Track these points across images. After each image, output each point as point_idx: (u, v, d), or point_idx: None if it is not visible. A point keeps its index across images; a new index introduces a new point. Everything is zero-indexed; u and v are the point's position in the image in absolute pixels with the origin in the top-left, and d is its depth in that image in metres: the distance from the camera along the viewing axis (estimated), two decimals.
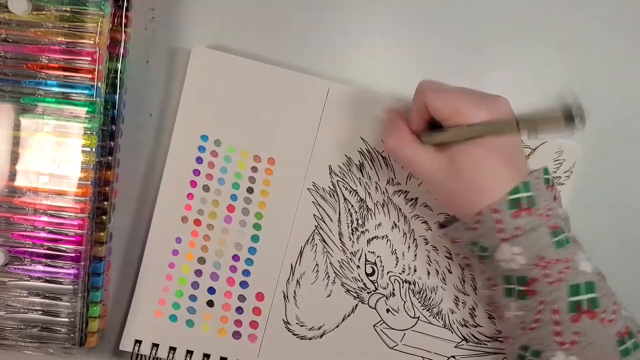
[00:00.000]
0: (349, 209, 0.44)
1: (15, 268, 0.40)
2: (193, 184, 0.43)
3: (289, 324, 0.44)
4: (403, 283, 0.44)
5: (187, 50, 0.43)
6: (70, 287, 0.40)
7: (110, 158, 0.41)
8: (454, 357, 0.44)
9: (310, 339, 0.44)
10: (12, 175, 0.39)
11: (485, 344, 0.45)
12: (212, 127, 0.43)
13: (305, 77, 0.43)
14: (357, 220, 0.44)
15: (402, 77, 0.44)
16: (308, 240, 0.44)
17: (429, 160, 0.37)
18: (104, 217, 0.41)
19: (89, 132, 0.39)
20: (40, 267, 0.40)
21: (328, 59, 0.44)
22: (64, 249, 0.39)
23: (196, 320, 0.44)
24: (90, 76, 0.38)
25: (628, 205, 0.46)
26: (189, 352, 0.44)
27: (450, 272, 0.44)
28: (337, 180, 0.44)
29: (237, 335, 0.44)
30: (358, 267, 0.44)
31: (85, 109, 0.39)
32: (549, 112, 0.29)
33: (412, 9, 0.44)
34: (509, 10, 0.44)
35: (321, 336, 0.44)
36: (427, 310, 0.44)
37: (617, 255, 0.46)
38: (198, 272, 0.44)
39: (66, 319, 0.40)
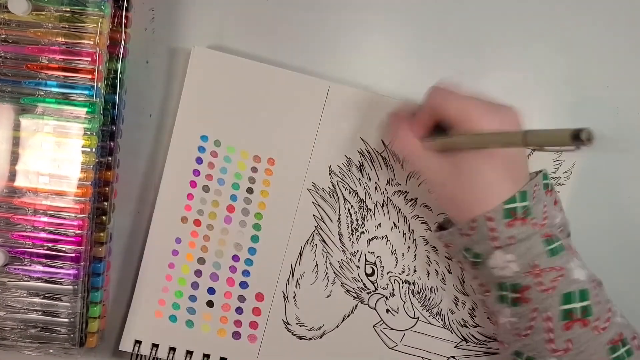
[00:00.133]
0: (349, 210, 0.44)
1: (15, 268, 0.40)
2: (193, 184, 0.43)
3: (288, 324, 0.44)
4: (403, 283, 0.44)
5: (187, 51, 0.43)
6: (70, 287, 0.40)
7: (110, 158, 0.41)
8: (453, 357, 0.44)
9: (310, 339, 0.44)
10: (12, 176, 0.39)
11: (484, 345, 0.44)
12: (212, 128, 0.43)
13: (305, 77, 0.43)
14: (357, 220, 0.44)
15: (402, 78, 0.44)
16: (308, 240, 0.44)
17: (432, 161, 0.37)
18: (104, 218, 0.41)
19: (89, 133, 0.39)
20: (40, 268, 0.40)
21: (328, 59, 0.44)
22: (63, 249, 0.39)
23: (196, 321, 0.44)
24: (90, 76, 0.38)
25: (628, 205, 0.46)
26: (189, 353, 0.44)
27: (449, 272, 0.44)
28: (337, 181, 0.44)
29: (236, 335, 0.44)
30: (358, 267, 0.44)
31: (85, 109, 0.39)
32: (557, 130, 0.29)
33: (412, 9, 0.44)
34: (509, 11, 0.44)
35: (321, 336, 0.44)
36: (427, 311, 0.44)
37: (617, 256, 0.46)
38: (198, 273, 0.44)
39: (66, 320, 0.40)
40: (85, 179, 0.39)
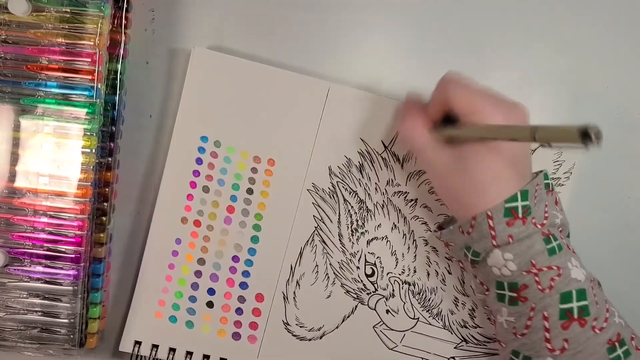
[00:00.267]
0: (349, 210, 0.44)
1: (15, 269, 0.40)
2: (193, 184, 0.43)
3: (288, 324, 0.44)
4: (403, 284, 0.44)
5: (187, 51, 0.43)
6: (70, 288, 0.40)
7: (110, 159, 0.41)
8: (453, 358, 0.44)
9: (310, 340, 0.44)
10: (12, 177, 0.39)
11: (484, 345, 0.44)
12: (211, 128, 0.43)
13: (305, 78, 0.43)
14: (357, 221, 0.44)
15: (401, 78, 0.44)
16: (308, 241, 0.44)
17: (439, 152, 0.37)
18: (104, 218, 0.41)
19: (88, 133, 0.39)
20: (40, 268, 0.40)
21: (328, 59, 0.44)
22: (63, 250, 0.39)
23: (196, 321, 0.44)
24: (90, 77, 0.38)
25: (628, 205, 0.46)
26: (189, 353, 0.44)
27: (449, 273, 0.44)
28: (337, 181, 0.44)
29: (236, 336, 0.44)
30: (358, 268, 0.44)
31: (85, 110, 0.39)
32: (566, 127, 0.29)
33: (412, 9, 0.44)
34: (509, 11, 0.44)
35: (321, 337, 0.44)
36: (427, 311, 0.44)
37: (617, 256, 0.46)
38: (198, 273, 0.44)
39: (66, 320, 0.40)
40: (85, 180, 0.39)
